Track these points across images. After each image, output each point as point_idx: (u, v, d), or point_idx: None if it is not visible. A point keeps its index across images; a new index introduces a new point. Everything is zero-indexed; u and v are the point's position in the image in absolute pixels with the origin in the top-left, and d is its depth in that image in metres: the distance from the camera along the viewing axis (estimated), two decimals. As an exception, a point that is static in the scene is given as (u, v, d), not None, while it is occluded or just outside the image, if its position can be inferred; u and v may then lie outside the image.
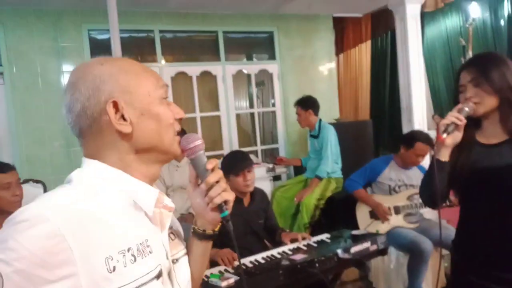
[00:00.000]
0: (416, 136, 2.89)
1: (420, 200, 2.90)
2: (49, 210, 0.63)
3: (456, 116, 1.32)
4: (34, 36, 3.71)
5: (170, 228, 0.86)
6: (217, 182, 0.84)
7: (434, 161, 1.35)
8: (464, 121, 1.33)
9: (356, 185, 3.00)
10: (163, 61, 4.32)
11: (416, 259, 2.67)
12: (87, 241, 0.64)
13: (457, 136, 1.35)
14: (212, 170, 0.84)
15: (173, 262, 0.82)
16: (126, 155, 0.76)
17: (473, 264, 1.41)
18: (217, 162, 0.87)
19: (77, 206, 0.66)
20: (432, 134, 6.13)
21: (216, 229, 0.92)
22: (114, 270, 0.66)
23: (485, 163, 1.35)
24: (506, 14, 4.74)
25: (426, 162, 3.51)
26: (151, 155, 0.79)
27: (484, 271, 1.37)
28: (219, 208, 0.85)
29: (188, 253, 0.92)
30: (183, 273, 0.87)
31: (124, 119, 0.74)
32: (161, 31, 4.24)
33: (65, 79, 3.85)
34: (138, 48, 4.35)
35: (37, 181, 2.86)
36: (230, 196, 0.85)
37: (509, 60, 1.39)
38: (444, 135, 1.33)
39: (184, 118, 0.86)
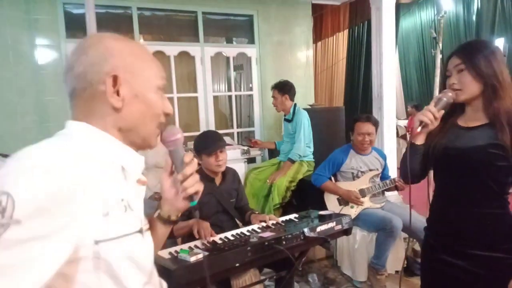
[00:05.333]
0: (355, 119, 3.07)
1: (380, 180, 3.09)
2: (60, 159, 0.66)
3: (433, 112, 1.39)
4: (4, 7, 3.57)
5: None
6: (191, 174, 0.91)
7: (409, 147, 1.47)
8: (440, 114, 1.40)
9: (322, 179, 3.10)
10: (141, 40, 4.26)
11: (386, 235, 2.79)
12: (91, 188, 0.69)
13: (432, 126, 1.43)
14: (189, 163, 0.91)
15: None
16: (110, 128, 0.79)
17: (444, 243, 1.49)
18: (193, 156, 0.93)
19: (82, 155, 0.71)
20: (401, 123, 6.30)
21: (179, 215, 1.00)
22: (107, 214, 0.71)
23: (456, 144, 1.43)
24: (476, 8, 4.92)
25: (381, 144, 3.67)
26: (130, 137, 0.82)
27: (454, 248, 1.45)
28: (190, 197, 0.93)
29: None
30: (150, 243, 0.93)
31: (118, 95, 0.77)
32: (139, 8, 4.17)
33: (38, 53, 3.75)
34: (115, 25, 4.25)
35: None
36: (201, 187, 0.94)
37: (498, 49, 1.44)
38: (419, 129, 1.43)
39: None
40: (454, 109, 1.49)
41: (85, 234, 0.67)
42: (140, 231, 0.81)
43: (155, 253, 1.01)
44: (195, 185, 0.91)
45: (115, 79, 0.77)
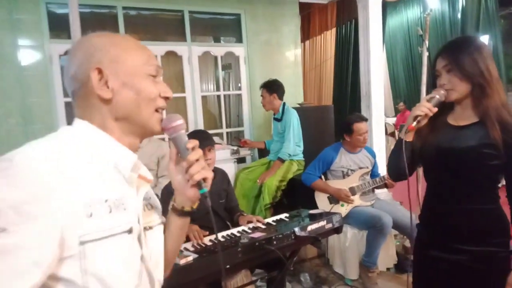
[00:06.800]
0: (351, 120, 3.07)
1: (370, 178, 3.11)
2: (39, 158, 0.69)
3: (428, 108, 1.40)
4: (-15, 7, 3.49)
5: (148, 199, 0.92)
6: (197, 160, 0.87)
7: (403, 143, 1.45)
8: (435, 110, 1.41)
9: (313, 178, 3.11)
10: (126, 39, 4.20)
11: (376, 232, 2.81)
12: (71, 190, 0.70)
13: (424, 122, 1.44)
14: (193, 149, 0.88)
15: (146, 229, 0.87)
16: (107, 120, 0.82)
17: (437, 239, 1.51)
18: (197, 142, 0.90)
19: (64, 155, 0.73)
20: (389, 120, 6.35)
21: (195, 206, 0.96)
22: (91, 216, 0.72)
23: (449, 144, 1.43)
24: (460, 6, 4.99)
25: (370, 142, 3.69)
26: (129, 125, 0.83)
27: (447, 244, 1.47)
28: (198, 185, 0.88)
29: (166, 227, 0.97)
30: (157, 240, 0.92)
31: (107, 86, 0.80)
32: (124, 8, 4.10)
33: (21, 54, 3.67)
34: (100, 25, 4.18)
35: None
36: (209, 173, 0.89)
37: (484, 45, 1.44)
38: (414, 124, 1.42)
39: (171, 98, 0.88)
40: (443, 107, 1.49)
41: (69, 235, 0.69)
42: (130, 231, 0.79)
43: (175, 250, 1.00)
44: (201, 172, 0.87)
45: (99, 71, 0.79)
